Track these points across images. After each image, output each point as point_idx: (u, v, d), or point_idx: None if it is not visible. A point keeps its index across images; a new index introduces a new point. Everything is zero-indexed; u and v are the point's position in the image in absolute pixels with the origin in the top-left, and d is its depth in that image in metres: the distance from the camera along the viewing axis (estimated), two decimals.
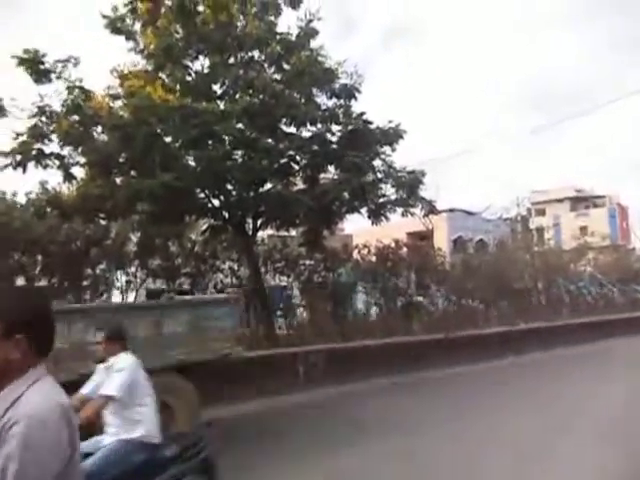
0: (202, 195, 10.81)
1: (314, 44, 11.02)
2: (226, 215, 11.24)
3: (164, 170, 8.95)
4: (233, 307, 7.08)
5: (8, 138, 8.76)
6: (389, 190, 11.48)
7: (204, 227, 12.14)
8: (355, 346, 11.48)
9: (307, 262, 13.05)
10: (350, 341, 11.90)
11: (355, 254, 14.40)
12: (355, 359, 10.82)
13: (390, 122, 11.21)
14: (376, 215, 11.47)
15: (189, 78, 10.93)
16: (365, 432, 6.85)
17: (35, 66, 8.63)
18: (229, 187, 10.80)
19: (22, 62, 8.58)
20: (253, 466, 5.49)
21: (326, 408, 8.59)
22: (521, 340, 14.61)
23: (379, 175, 11.40)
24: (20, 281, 9.04)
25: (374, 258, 14.13)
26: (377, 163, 11.36)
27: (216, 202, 11.11)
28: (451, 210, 32.51)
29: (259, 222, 11.62)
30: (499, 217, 27.32)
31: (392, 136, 11.27)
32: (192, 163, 9.97)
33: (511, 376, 11.30)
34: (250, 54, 11.16)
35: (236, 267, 11.87)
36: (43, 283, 9.20)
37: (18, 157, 8.67)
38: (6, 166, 8.69)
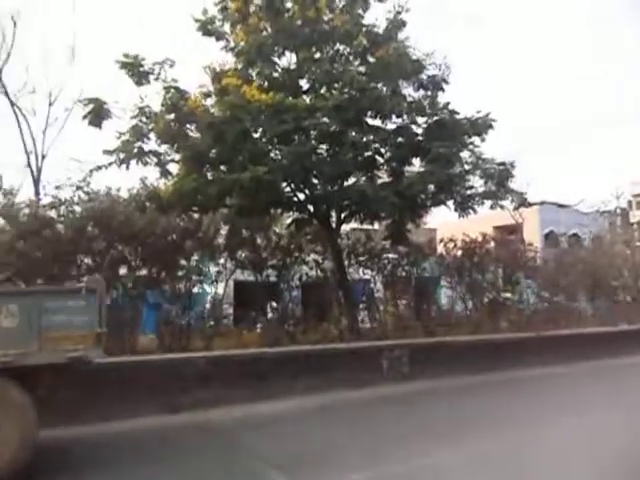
0: (288, 189, 11.04)
1: (401, 36, 10.90)
2: (311, 208, 11.41)
3: (253, 165, 9.25)
4: (91, 299, 5.54)
5: (113, 138, 9.45)
6: (477, 182, 11.15)
7: (289, 220, 12.42)
8: (439, 342, 11.28)
9: (390, 256, 12.95)
10: (434, 336, 11.71)
11: (440, 248, 14.10)
12: (440, 355, 10.63)
13: (478, 112, 10.88)
14: (463, 208, 11.18)
15: (276, 74, 11.19)
16: (459, 428, 6.72)
17: (135, 69, 9.22)
18: (314, 181, 10.95)
19: (124, 66, 9.20)
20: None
21: (414, 403, 8.54)
22: (620, 341, 13.66)
23: (467, 167, 11.10)
24: (123, 270, 9.72)
25: (460, 252, 13.75)
26: (465, 154, 11.07)
27: (301, 196, 11.31)
28: (542, 203, 30.97)
29: (343, 215, 11.69)
30: (596, 210, 25.62)
31: (481, 126, 10.92)
32: (279, 158, 10.21)
33: (607, 378, 10.63)
34: (336, 48, 11.22)
35: (320, 260, 12.02)
36: (143, 272, 9.82)
37: (121, 155, 9.32)
38: (110, 164, 9.37)
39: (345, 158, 10.31)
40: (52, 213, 9.07)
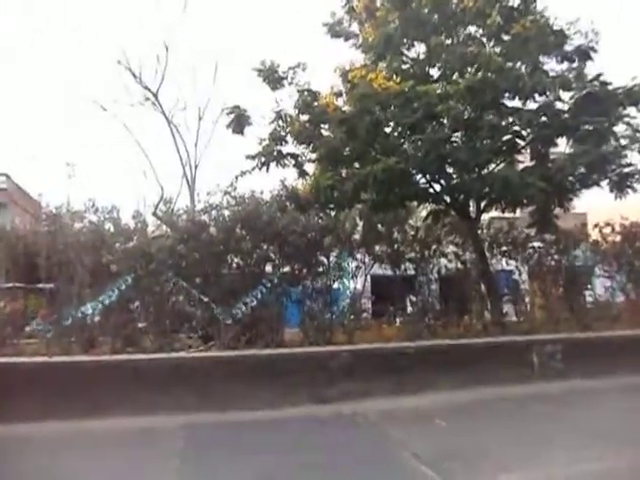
0: (423, 180, 10.87)
1: (539, 6, 10.15)
2: (447, 199, 11.11)
3: (383, 157, 9.26)
4: None
5: (254, 144, 10.10)
6: (636, 158, 10.01)
7: (425, 212, 12.20)
8: (598, 337, 10.29)
9: (536, 244, 12.11)
10: (590, 331, 10.72)
11: (594, 233, 12.85)
12: (598, 351, 9.70)
13: (634, 78, 9.74)
14: (620, 188, 10.11)
15: (405, 66, 11.06)
16: (631, 433, 6.07)
17: (271, 75, 9.74)
18: (450, 170, 10.64)
19: (260, 73, 9.76)
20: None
21: (572, 403, 7.92)
22: None
23: (623, 142, 10.01)
24: (268, 267, 10.32)
25: (618, 238, 12.42)
26: (619, 128, 9.99)
27: (437, 186, 11.06)
28: None
29: (483, 204, 11.21)
30: None
31: (638, 94, 9.77)
32: (411, 149, 10.10)
33: None
34: (467, 32, 10.80)
35: (460, 251, 11.65)
36: (286, 270, 10.32)
37: (262, 159, 9.91)
38: (253, 168, 10.01)
39: (482, 144, 9.87)
40: (205, 218, 9.92)
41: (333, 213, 11.06)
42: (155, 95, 12.62)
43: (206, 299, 9.36)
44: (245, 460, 5.65)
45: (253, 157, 9.92)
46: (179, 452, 5.90)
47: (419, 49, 11.17)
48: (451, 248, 11.76)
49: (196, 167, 13.68)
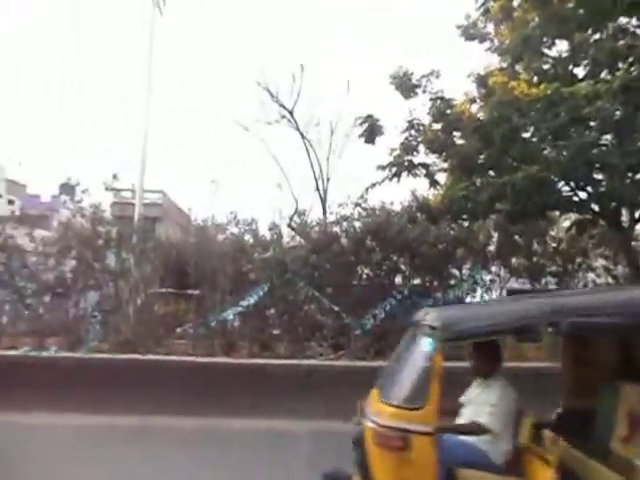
0: (566, 188, 10.05)
1: None
2: (595, 207, 10.15)
3: (522, 164, 8.73)
4: None
5: (385, 154, 10.14)
6: None
7: (568, 222, 11.28)
8: None
9: None
10: None
11: None
12: None
13: None
14: None
15: (546, 66, 10.38)
16: None
17: (404, 83, 9.71)
18: (598, 176, 9.72)
19: (394, 81, 9.78)
20: None
21: None
22: None
23: None
24: (398, 279, 10.25)
25: None
26: None
27: (582, 194, 10.16)
28: None
29: (638, 213, 10.07)
30: None
31: None
32: (553, 155, 9.41)
33: None
34: (617, 23, 9.83)
35: (611, 265, 10.57)
36: (416, 282, 10.17)
37: (393, 170, 9.89)
38: (384, 180, 10.04)
39: (637, 147, 8.88)
40: (337, 229, 10.15)
41: (466, 224, 10.67)
42: (291, 112, 13.29)
43: (337, 309, 9.54)
44: None
45: (384, 167, 9.96)
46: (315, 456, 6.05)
47: (561, 47, 10.42)
48: (600, 262, 10.73)
49: (328, 180, 14.12)
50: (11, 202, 30.22)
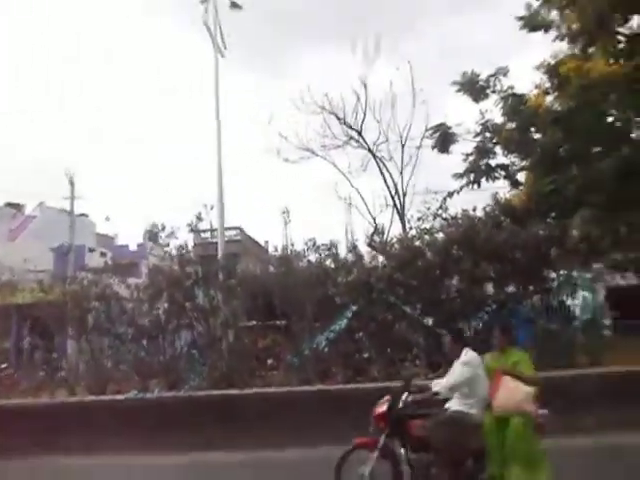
0: None
1: None
2: None
3: (610, 150, 8.13)
4: None
5: (459, 162, 9.82)
6: None
7: None
8: None
9: None
10: None
11: None
12: None
13: None
14: None
15: (622, 45, 9.73)
16: None
17: (472, 86, 9.41)
18: None
19: (460, 86, 9.51)
20: None
21: None
22: None
23: None
24: (489, 287, 9.75)
25: None
26: None
27: None
28: None
29: None
30: None
31: None
32: None
33: None
34: None
35: None
36: (510, 289, 9.62)
37: (471, 176, 9.54)
38: (462, 187, 9.70)
39: None
40: (419, 243, 9.86)
41: (555, 222, 10.04)
42: (359, 132, 13.23)
43: (429, 324, 9.19)
44: None
45: (461, 175, 9.64)
46: None
47: (634, 24, 9.75)
48: None
49: (404, 195, 13.82)
50: (103, 254, 32.23)
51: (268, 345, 10.24)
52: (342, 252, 10.48)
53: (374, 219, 12.81)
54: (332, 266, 10.27)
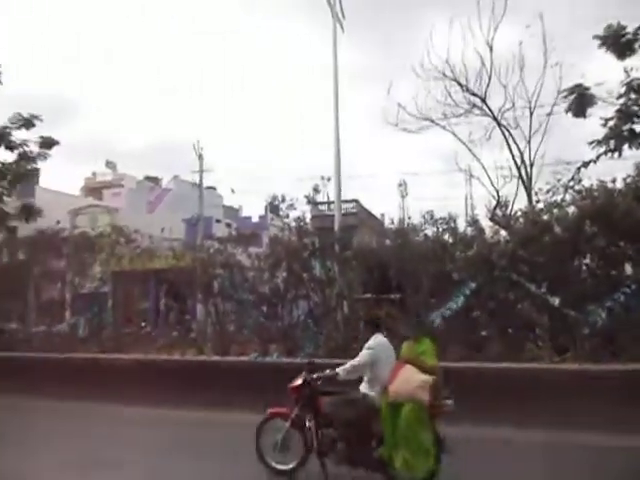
0: None
1: None
2: None
3: None
4: None
5: (596, 128, 8.83)
6: None
7: None
8: None
9: None
10: None
11: None
12: None
13: None
14: None
15: None
16: None
17: (616, 41, 8.35)
18: None
19: (603, 40, 8.48)
20: None
21: None
22: None
23: None
24: (627, 268, 8.81)
25: None
26: None
27: None
28: None
29: None
30: None
31: None
32: None
33: None
34: None
35: None
36: None
37: (611, 143, 8.56)
38: (599, 156, 8.75)
39: None
40: (547, 217, 9.12)
41: None
42: (483, 99, 12.25)
43: (556, 305, 8.54)
44: None
45: (599, 142, 8.68)
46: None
47: None
48: None
49: (531, 165, 12.60)
50: (228, 225, 34.29)
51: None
52: (461, 226, 10.06)
53: (497, 191, 11.95)
54: (450, 240, 9.91)
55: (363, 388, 5.50)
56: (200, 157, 35.45)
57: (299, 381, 5.63)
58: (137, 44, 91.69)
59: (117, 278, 13.75)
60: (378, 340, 5.53)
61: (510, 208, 10.59)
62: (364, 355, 5.45)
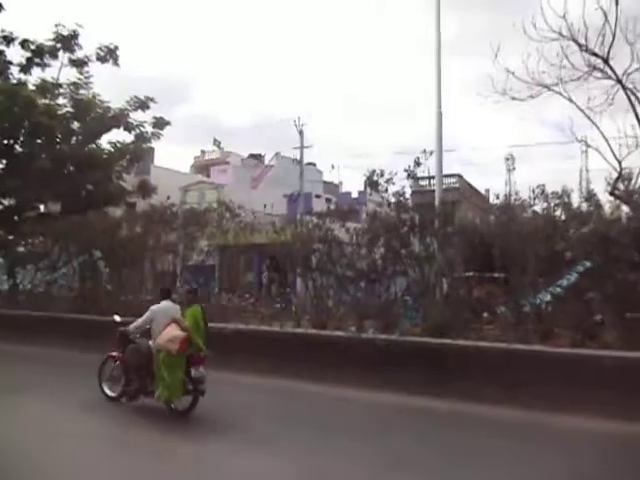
0: None
1: None
2: None
3: None
4: None
5: None
6: None
7: None
8: None
9: None
10: None
11: None
12: None
13: None
14: None
15: None
16: None
17: None
18: None
19: None
20: None
21: None
22: None
23: None
24: None
25: None
26: None
27: None
28: None
29: None
30: None
31: None
32: None
33: None
34: None
35: None
36: None
37: None
38: None
39: None
40: None
41: None
42: (605, 60, 10.90)
43: None
44: None
45: None
46: None
47: None
48: None
49: None
50: (328, 200, 34.57)
51: (483, 297, 9.77)
52: (575, 202, 9.23)
53: (619, 163, 10.72)
54: (562, 217, 9.16)
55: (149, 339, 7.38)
56: (301, 133, 35.90)
57: (118, 333, 7.64)
58: (240, 22, 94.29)
59: (223, 251, 14.41)
60: (162, 304, 7.36)
61: (634, 181, 9.52)
62: (144, 315, 7.38)
